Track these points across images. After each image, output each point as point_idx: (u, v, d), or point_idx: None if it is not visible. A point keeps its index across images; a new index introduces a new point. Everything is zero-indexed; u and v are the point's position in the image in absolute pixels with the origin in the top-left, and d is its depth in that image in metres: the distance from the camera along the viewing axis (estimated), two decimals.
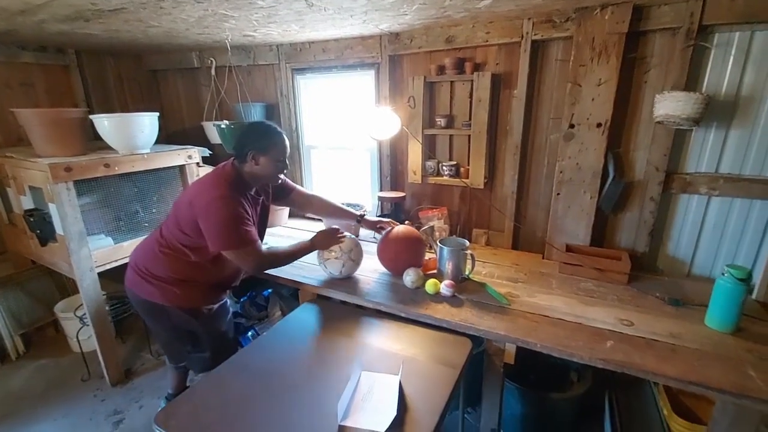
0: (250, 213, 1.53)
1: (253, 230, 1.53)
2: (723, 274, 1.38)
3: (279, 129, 1.57)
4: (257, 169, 1.52)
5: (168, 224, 1.57)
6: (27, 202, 2.08)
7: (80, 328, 2.32)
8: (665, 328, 1.42)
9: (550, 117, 1.98)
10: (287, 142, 1.58)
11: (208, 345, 1.65)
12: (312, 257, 1.86)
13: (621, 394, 1.81)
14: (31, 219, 2.02)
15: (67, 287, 2.76)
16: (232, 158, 1.56)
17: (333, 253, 1.76)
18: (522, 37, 1.87)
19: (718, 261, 1.80)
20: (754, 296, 1.66)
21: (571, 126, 1.83)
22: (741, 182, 1.67)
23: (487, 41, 1.96)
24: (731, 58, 1.60)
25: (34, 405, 2.12)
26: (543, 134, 2.02)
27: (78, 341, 2.35)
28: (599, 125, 1.77)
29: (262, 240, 1.66)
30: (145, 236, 1.71)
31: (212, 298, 1.64)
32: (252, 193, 1.60)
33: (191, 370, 1.88)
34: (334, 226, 1.84)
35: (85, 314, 2.14)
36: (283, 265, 1.74)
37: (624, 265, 1.77)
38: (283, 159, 1.56)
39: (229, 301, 1.79)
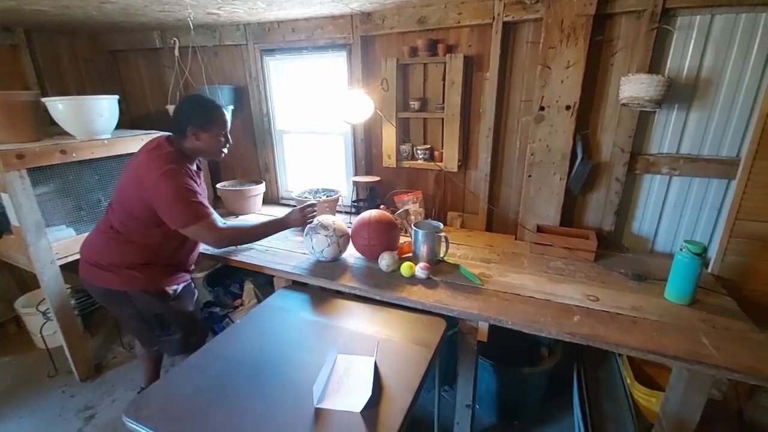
0: (196, 186, 1.52)
1: (206, 203, 1.53)
2: (681, 249, 1.45)
3: (218, 103, 1.57)
4: (199, 144, 1.53)
5: (114, 210, 1.54)
6: None
7: (44, 324, 2.23)
8: (628, 302, 1.49)
9: (522, 99, 2.00)
10: (227, 116, 1.59)
11: (177, 327, 1.63)
12: (288, 242, 1.84)
13: (589, 366, 1.90)
14: None
15: (27, 281, 2.62)
16: (168, 134, 1.55)
17: (325, 230, 1.74)
18: (493, 18, 1.87)
19: (678, 238, 1.90)
20: (709, 270, 1.76)
21: (542, 108, 1.85)
22: (699, 162, 1.75)
23: (459, 22, 1.95)
24: (692, 41, 1.65)
25: None
26: (515, 117, 2.04)
27: (42, 337, 2.26)
28: (568, 108, 1.80)
29: None
30: (91, 230, 1.66)
31: (174, 278, 1.62)
32: (193, 167, 1.59)
33: (165, 353, 1.86)
34: (309, 202, 1.84)
35: (48, 309, 2.05)
36: (251, 241, 1.74)
37: (591, 243, 1.83)
38: (224, 133, 1.57)
39: (193, 283, 1.76)
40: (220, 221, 1.61)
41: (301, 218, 1.76)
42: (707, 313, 1.42)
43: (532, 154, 1.94)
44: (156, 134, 2.30)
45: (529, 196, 2.01)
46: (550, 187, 1.95)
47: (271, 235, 1.75)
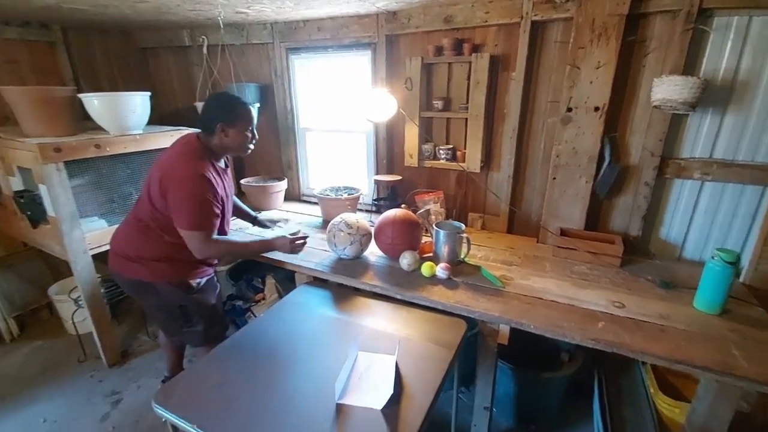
0: (219, 186, 1.54)
1: (217, 221, 1.53)
2: (713, 257, 1.41)
3: (244, 100, 1.60)
4: (227, 141, 1.55)
5: (143, 203, 1.57)
6: (16, 183, 2.04)
7: (75, 311, 2.32)
8: (655, 310, 1.45)
9: (548, 100, 1.96)
10: (253, 113, 1.62)
11: (199, 319, 1.68)
12: (310, 239, 1.87)
13: (610, 373, 1.87)
14: (21, 200, 1.99)
15: (60, 269, 2.74)
16: (198, 132, 1.58)
17: (348, 229, 1.76)
18: (522, 17, 1.84)
19: (709, 245, 1.84)
20: (741, 279, 1.70)
21: (569, 109, 1.82)
22: (734, 167, 1.69)
23: (486, 21, 1.93)
24: (729, 42, 1.59)
25: (30, 386, 2.13)
26: (540, 118, 2.01)
27: (73, 323, 2.36)
28: (597, 109, 1.77)
29: (229, 213, 1.71)
30: (120, 223, 1.71)
31: (198, 272, 1.65)
32: (220, 164, 1.63)
33: (188, 344, 1.91)
34: (301, 235, 1.80)
35: (79, 297, 2.13)
36: (235, 256, 1.73)
37: (617, 248, 1.79)
38: (251, 129, 1.60)
39: (216, 277, 1.80)
40: (215, 235, 1.57)
41: (288, 247, 1.71)
42: (738, 324, 1.38)
43: (557, 156, 1.91)
44: (186, 131, 2.37)
45: (553, 198, 1.98)
46: (575, 189, 1.92)
47: (256, 254, 1.79)
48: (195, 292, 1.64)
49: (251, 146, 1.66)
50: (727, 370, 1.15)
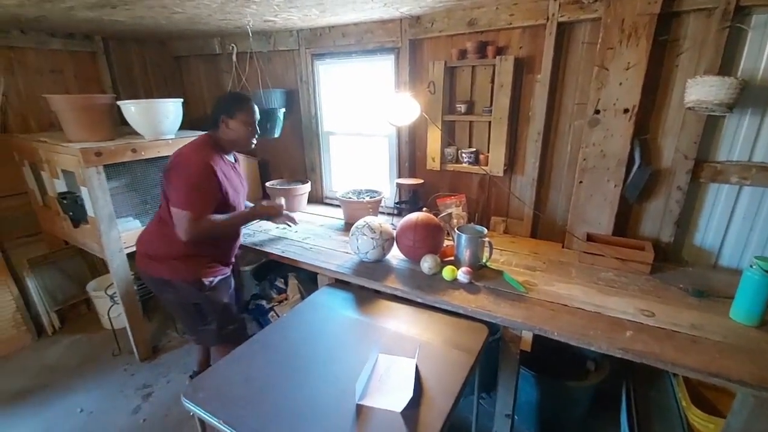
0: (227, 177, 1.65)
1: (209, 208, 1.58)
2: (751, 265, 1.34)
3: (247, 96, 1.72)
4: (229, 132, 1.65)
5: (163, 203, 1.68)
6: (60, 186, 2.17)
7: (111, 306, 2.44)
8: (687, 320, 1.40)
9: (575, 102, 1.92)
10: (255, 108, 1.71)
11: (212, 317, 1.73)
12: (332, 242, 1.89)
13: (639, 384, 1.80)
14: (65, 201, 2.11)
15: (97, 267, 2.89)
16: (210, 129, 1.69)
17: (371, 233, 1.78)
18: (547, 19, 1.82)
19: (747, 253, 1.75)
20: None
21: (597, 112, 1.78)
22: None
23: (510, 24, 1.91)
24: None
25: (69, 377, 2.25)
26: (566, 120, 1.97)
27: (109, 318, 2.47)
28: (626, 111, 1.72)
29: (241, 205, 1.80)
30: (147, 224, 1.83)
31: (212, 270, 1.71)
32: (229, 158, 1.73)
33: (205, 344, 1.99)
34: (280, 202, 2.03)
35: (115, 293, 2.24)
36: (224, 232, 1.72)
37: (647, 255, 1.73)
38: (251, 122, 1.68)
39: (234, 278, 1.86)
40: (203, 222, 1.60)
41: (270, 210, 1.94)
42: None
43: (584, 159, 1.86)
44: None
45: (580, 202, 1.93)
46: (603, 193, 1.87)
47: (244, 225, 1.86)
48: (208, 290, 1.69)
49: (254, 141, 1.74)
50: (765, 384, 1.09)
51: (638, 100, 1.69)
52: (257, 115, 1.72)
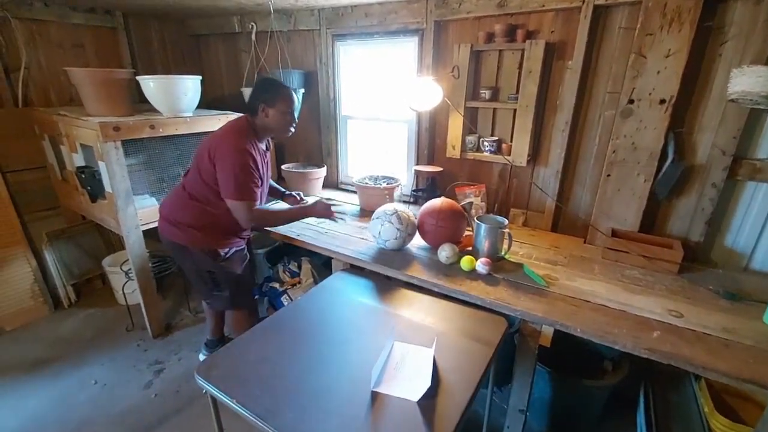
0: (259, 165, 1.67)
1: (258, 191, 1.67)
2: None
3: (286, 84, 1.72)
4: (267, 121, 1.67)
5: (190, 175, 1.73)
6: (79, 160, 2.17)
7: (125, 282, 2.46)
8: (718, 322, 1.33)
9: (607, 91, 1.84)
10: (295, 97, 1.71)
11: (226, 285, 1.81)
12: (347, 227, 1.85)
13: (658, 386, 1.74)
14: (83, 176, 2.11)
15: (113, 243, 2.92)
16: (247, 113, 1.71)
17: (399, 224, 1.75)
18: (583, 1, 1.73)
19: None
20: None
21: (631, 102, 1.69)
22: None
23: (543, 6, 1.82)
24: None
25: (84, 350, 2.29)
26: (597, 110, 1.89)
27: (123, 294, 2.50)
28: (663, 102, 1.63)
29: (264, 195, 1.84)
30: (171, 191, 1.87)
31: (228, 242, 1.78)
32: (262, 146, 1.75)
33: (217, 307, 2.03)
34: (331, 203, 1.94)
35: (130, 269, 2.25)
36: (277, 225, 1.91)
37: (675, 254, 1.66)
38: (291, 111, 1.69)
39: (248, 252, 1.94)
40: (257, 205, 1.72)
41: (325, 211, 1.85)
42: None
43: (613, 152, 1.78)
44: (233, 115, 2.43)
45: (606, 197, 1.86)
46: (631, 188, 1.79)
47: (295, 220, 1.91)
48: (222, 260, 1.76)
49: (291, 129, 1.75)
50: None
51: (676, 91, 1.60)
52: (297, 104, 1.73)
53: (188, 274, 1.90)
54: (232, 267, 1.81)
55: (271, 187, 2.06)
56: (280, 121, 1.68)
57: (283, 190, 2.15)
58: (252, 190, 1.63)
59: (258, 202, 1.69)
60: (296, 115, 1.75)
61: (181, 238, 1.72)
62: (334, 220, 1.91)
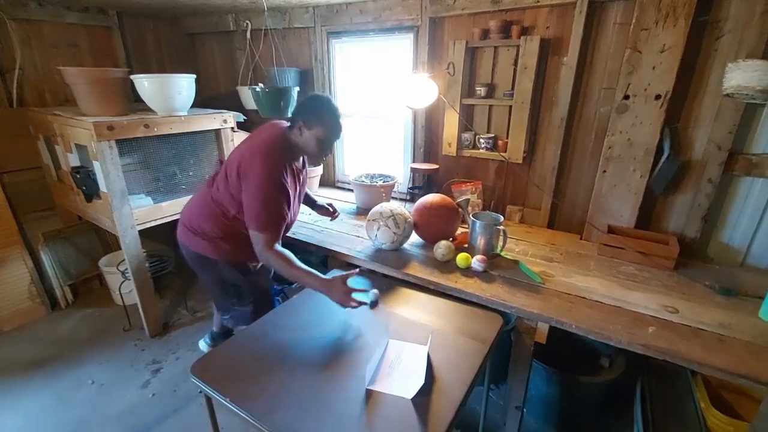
0: (291, 186, 1.50)
1: (283, 225, 1.48)
2: None
3: (337, 111, 1.51)
4: (300, 140, 1.49)
5: (219, 183, 1.56)
6: (73, 160, 2.17)
7: (122, 282, 2.46)
8: (714, 318, 1.33)
9: (602, 87, 1.83)
10: (339, 126, 1.51)
11: (251, 300, 1.69)
12: (344, 225, 1.84)
13: (654, 382, 1.74)
14: (78, 176, 2.10)
15: (110, 243, 2.91)
16: (290, 123, 1.52)
17: (395, 228, 1.72)
18: None
19: None
20: None
21: (626, 97, 1.69)
22: None
23: (538, 2, 1.82)
24: None
25: (81, 349, 2.28)
26: (592, 106, 1.88)
27: (120, 294, 2.49)
28: (658, 97, 1.62)
29: (297, 211, 1.66)
30: (193, 194, 1.73)
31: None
32: (298, 164, 1.57)
33: (237, 324, 1.83)
34: (350, 283, 1.41)
35: (126, 269, 2.25)
36: (283, 274, 1.47)
37: (671, 249, 1.66)
38: (327, 140, 1.49)
39: None
40: (279, 243, 1.49)
41: (340, 295, 1.37)
42: None
43: (609, 148, 1.78)
44: (226, 114, 2.41)
45: (602, 193, 1.86)
46: (627, 184, 1.78)
47: (303, 283, 1.44)
48: (251, 274, 1.66)
49: (320, 162, 1.62)
50: None
51: (672, 86, 1.60)
52: (338, 135, 1.54)
53: (209, 286, 1.75)
54: (261, 281, 1.70)
55: (306, 196, 1.91)
56: (312, 147, 1.49)
57: (315, 198, 1.96)
58: (276, 224, 1.44)
59: (278, 239, 1.47)
60: (333, 146, 1.57)
61: (207, 250, 1.58)
62: (346, 306, 1.39)
